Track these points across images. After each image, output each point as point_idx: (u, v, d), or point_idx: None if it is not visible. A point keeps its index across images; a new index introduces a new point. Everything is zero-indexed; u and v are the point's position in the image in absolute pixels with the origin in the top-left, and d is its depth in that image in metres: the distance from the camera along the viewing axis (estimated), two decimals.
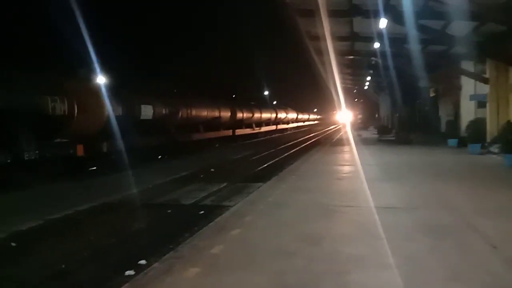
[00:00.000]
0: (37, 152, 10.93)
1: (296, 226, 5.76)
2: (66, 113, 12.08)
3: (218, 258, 4.63)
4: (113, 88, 15.88)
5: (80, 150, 12.76)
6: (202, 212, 8.03)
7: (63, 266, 5.27)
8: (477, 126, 15.70)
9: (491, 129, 15.17)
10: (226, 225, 5.99)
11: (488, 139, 15.24)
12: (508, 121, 11.72)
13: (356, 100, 75.93)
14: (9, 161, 10.06)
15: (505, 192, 7.91)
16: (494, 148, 13.77)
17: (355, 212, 6.62)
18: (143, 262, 5.12)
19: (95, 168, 14.38)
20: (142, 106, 16.85)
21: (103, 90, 14.45)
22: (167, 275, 4.15)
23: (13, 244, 6.22)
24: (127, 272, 4.74)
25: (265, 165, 15.56)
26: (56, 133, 12.27)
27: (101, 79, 19.88)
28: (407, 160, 14.01)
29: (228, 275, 4.13)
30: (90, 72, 18.58)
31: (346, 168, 12.14)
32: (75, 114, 12.44)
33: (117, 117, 14.43)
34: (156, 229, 7.05)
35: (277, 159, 17.84)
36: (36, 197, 9.85)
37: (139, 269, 4.76)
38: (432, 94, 25.60)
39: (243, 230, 5.72)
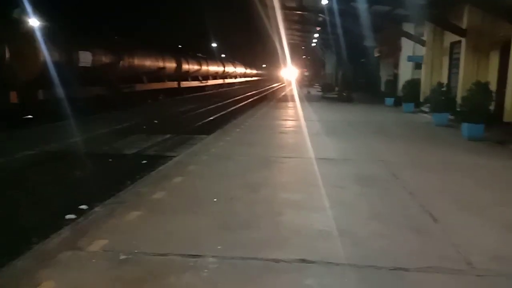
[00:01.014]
0: None
1: (237, 175, 6.04)
2: None
3: (160, 202, 4.81)
4: (48, 32, 14.79)
5: (13, 97, 12.03)
6: (144, 161, 8.09)
7: (2, 211, 5.20)
8: (412, 86, 16.64)
9: (425, 90, 16.16)
10: (168, 174, 6.14)
11: (422, 99, 16.26)
12: (438, 82, 12.57)
13: (304, 57, 76.55)
14: None
15: (428, 148, 8.68)
16: (426, 108, 14.77)
17: (293, 163, 7.02)
18: (84, 207, 5.18)
19: (31, 117, 13.66)
20: (80, 52, 15.93)
21: (38, 34, 13.46)
22: (109, 218, 4.28)
23: None
24: (68, 216, 4.80)
25: (210, 119, 15.64)
26: None
27: (35, 22, 18.39)
28: (346, 117, 14.72)
29: (170, 217, 4.34)
30: (23, 13, 17.07)
31: (289, 123, 12.56)
32: (6, 59, 11.59)
33: (53, 63, 13.59)
34: (97, 178, 7.03)
35: (222, 112, 17.95)
36: None
37: (80, 213, 4.82)
38: (377, 55, 26.49)
39: (186, 178, 5.91)
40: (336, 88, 29.34)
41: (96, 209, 4.60)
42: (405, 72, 19.79)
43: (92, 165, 7.88)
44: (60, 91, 13.81)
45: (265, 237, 3.81)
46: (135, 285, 2.99)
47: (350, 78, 27.52)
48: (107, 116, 16.20)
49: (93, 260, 3.36)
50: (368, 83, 29.16)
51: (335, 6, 17.18)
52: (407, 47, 19.53)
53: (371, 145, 8.79)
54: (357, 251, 3.50)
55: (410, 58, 18.37)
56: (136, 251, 3.49)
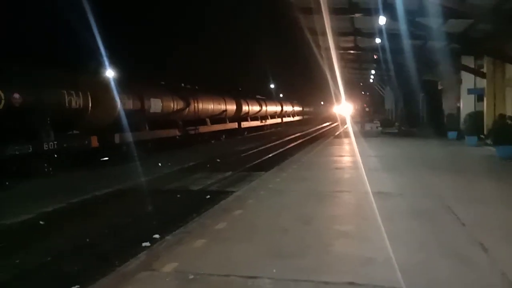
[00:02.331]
0: (55, 142, 11.71)
1: (292, 209, 6.44)
2: (81, 106, 12.85)
3: (222, 232, 5.34)
4: (123, 82, 16.61)
5: (94, 142, 13.54)
6: (208, 196, 8.77)
7: (88, 240, 6.03)
8: (475, 119, 16.21)
9: (488, 122, 15.65)
10: (229, 207, 6.70)
11: (485, 132, 15.73)
12: (500, 114, 12.24)
13: (362, 93, 76.15)
14: (30, 151, 10.84)
15: (486, 182, 8.46)
16: (489, 141, 14.29)
17: (346, 197, 7.30)
18: (156, 236, 5.86)
19: (107, 158, 15.18)
20: (152, 100, 17.59)
21: (115, 84, 15.18)
22: (179, 245, 4.88)
23: (41, 222, 7.01)
24: (144, 244, 5.49)
25: (268, 156, 16.26)
26: (72, 126, 13.06)
27: (110, 73, 20.60)
28: (404, 151, 14.61)
29: (231, 245, 4.84)
30: (101, 66, 19.31)
31: (346, 159, 12.78)
32: (89, 107, 13.22)
33: (128, 111, 15.20)
34: (167, 211, 7.79)
35: (280, 150, 18.54)
36: (57, 185, 10.68)
37: (153, 241, 5.49)
38: (440, 87, 26.01)
39: (245, 211, 6.43)
40: (396, 123, 28.94)
41: (167, 237, 5.24)
42: (467, 105, 19.25)
43: (162, 200, 8.71)
44: (133, 135, 15.30)
45: (316, 263, 4.16)
46: None
47: (410, 112, 27.11)
48: (175, 156, 17.43)
49: (167, 279, 3.93)
50: (430, 117, 28.47)
51: (389, 44, 17.48)
52: (468, 80, 19.11)
53: (427, 180, 8.76)
54: (402, 277, 3.73)
55: (470, 91, 17.96)
56: (202, 272, 4.02)
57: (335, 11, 13.51)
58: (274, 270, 3.98)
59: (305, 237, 5.01)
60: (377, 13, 13.21)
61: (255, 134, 32.46)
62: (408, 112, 27.13)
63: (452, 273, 3.86)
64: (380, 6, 12.60)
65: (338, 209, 6.58)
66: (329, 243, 4.78)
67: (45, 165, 11.81)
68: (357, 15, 14.41)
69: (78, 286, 4.46)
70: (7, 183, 10.40)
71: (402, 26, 13.51)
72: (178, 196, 9.07)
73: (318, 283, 3.67)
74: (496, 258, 4.17)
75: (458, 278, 3.73)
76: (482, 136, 15.60)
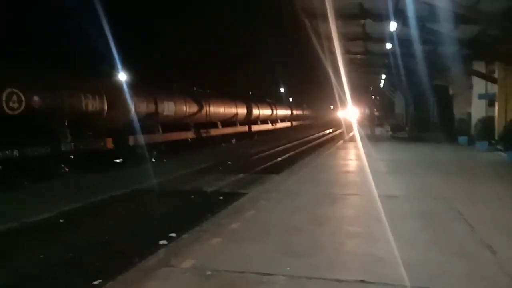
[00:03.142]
0: (72, 144, 12.04)
1: (304, 210, 6.62)
2: (98, 109, 13.20)
3: (236, 231, 5.55)
4: (137, 85, 16.95)
5: (109, 143, 13.85)
6: (221, 198, 8.99)
7: (106, 237, 6.28)
8: (486, 124, 16.22)
9: (499, 127, 15.65)
10: (242, 208, 6.91)
11: (496, 137, 15.73)
12: (511, 120, 12.26)
13: (373, 97, 75.91)
14: (48, 151, 11.17)
15: (494, 186, 8.55)
16: (500, 146, 14.31)
17: (357, 199, 7.46)
18: (173, 235, 6.09)
19: (121, 160, 15.50)
20: (165, 103, 17.92)
21: (130, 87, 15.53)
22: (195, 243, 5.10)
23: (61, 220, 7.29)
24: (161, 242, 5.72)
25: (279, 159, 16.45)
26: (88, 128, 13.41)
27: (125, 76, 20.98)
28: (413, 156, 14.69)
29: (245, 243, 5.04)
30: (116, 69, 19.70)
31: (355, 163, 12.91)
32: (105, 110, 13.56)
33: (141, 113, 15.52)
34: (182, 211, 8.03)
35: (290, 153, 18.71)
36: (74, 185, 11.00)
37: (170, 240, 5.72)
38: (451, 92, 25.96)
39: (257, 212, 6.63)
40: (406, 128, 28.91)
41: (184, 236, 5.46)
42: (478, 110, 19.22)
43: (178, 200, 8.96)
44: (146, 137, 15.62)
45: (328, 262, 4.34)
46: None
47: (421, 117, 27.07)
48: (187, 159, 17.72)
49: (186, 274, 4.14)
50: (441, 122, 28.41)
51: (399, 49, 17.57)
52: (479, 85, 19.09)
53: (436, 184, 8.87)
54: (411, 275, 3.90)
55: (481, 96, 17.96)
56: (219, 269, 4.22)
57: (345, 17, 13.69)
58: (288, 268, 4.18)
59: (317, 237, 5.19)
60: (388, 19, 13.35)
61: (265, 137, 32.67)
62: (418, 116, 27.10)
63: (455, 270, 4.02)
64: (391, 12, 12.73)
65: (348, 210, 6.75)
66: (340, 242, 4.96)
67: (62, 166, 12.14)
68: (368, 20, 14.56)
69: (101, 280, 4.69)
70: (25, 183, 10.73)
71: (413, 31, 13.62)
72: (192, 197, 9.31)
73: (331, 281, 3.85)
74: (502, 256, 4.31)
75: (461, 274, 3.88)
76: (493, 141, 15.61)
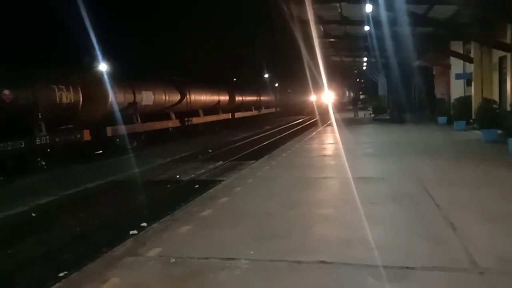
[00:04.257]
0: (47, 137, 11.85)
1: (277, 195, 6.64)
2: (72, 101, 12.98)
3: (207, 219, 5.54)
4: (114, 76, 16.70)
5: (86, 135, 13.68)
6: (197, 186, 8.98)
7: (77, 229, 6.24)
8: (463, 103, 16.42)
9: (476, 107, 15.86)
10: (216, 195, 6.89)
11: (473, 116, 15.95)
12: (485, 99, 12.44)
13: (358, 80, 76.28)
14: (22, 146, 10.98)
15: (469, 164, 8.71)
16: (477, 125, 14.51)
17: (332, 183, 7.52)
18: (144, 224, 6.07)
19: (101, 151, 15.35)
20: (143, 92, 17.70)
21: (106, 78, 15.28)
22: (164, 232, 5.08)
23: (33, 214, 7.21)
24: (131, 232, 5.69)
25: (260, 145, 16.47)
26: (64, 120, 13.19)
27: (103, 67, 20.64)
28: (393, 138, 14.84)
29: (214, 230, 5.04)
30: (93, 61, 19.33)
31: (334, 146, 12.98)
32: (80, 102, 13.34)
33: (119, 104, 15.32)
34: (156, 201, 8.01)
35: (272, 139, 18.74)
36: (50, 179, 10.89)
37: (141, 229, 5.70)
38: (434, 73, 26.14)
39: (231, 199, 6.63)
40: (388, 110, 29.14)
41: (154, 225, 5.44)
42: (457, 90, 19.46)
43: (153, 190, 8.92)
44: (125, 128, 15.45)
45: (293, 245, 4.36)
46: (181, 280, 3.70)
47: (402, 99, 27.26)
48: (168, 148, 17.62)
49: (150, 263, 4.13)
50: (422, 103, 28.67)
51: (378, 31, 17.57)
52: (457, 65, 19.28)
53: (412, 164, 8.98)
54: (373, 255, 3.94)
55: (458, 76, 18.16)
56: (184, 256, 4.22)
57: (320, 0, 13.62)
58: (252, 252, 4.19)
59: (287, 221, 5.21)
60: (364, 1, 13.32)
61: (248, 124, 32.61)
62: (399, 98, 27.30)
63: (423, 249, 4.08)
64: None
65: (322, 194, 6.79)
66: (309, 225, 4.99)
67: (39, 160, 11.96)
68: (344, 3, 14.50)
69: (66, 272, 4.66)
70: (1, 178, 10.56)
71: (389, 13, 13.63)
72: (168, 186, 9.28)
73: (292, 263, 3.88)
74: (462, 234, 4.40)
75: (423, 254, 3.94)
76: (471, 120, 15.82)
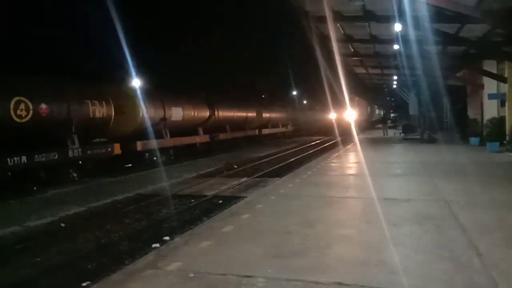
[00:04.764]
0: (79, 150, 12.31)
1: (298, 213, 6.62)
2: (105, 115, 13.46)
3: (228, 235, 5.59)
4: (145, 91, 17.21)
5: (117, 149, 14.09)
6: (220, 201, 9.07)
7: (103, 241, 6.42)
8: (497, 124, 15.91)
9: (510, 128, 15.36)
10: (238, 211, 6.94)
11: (507, 138, 15.43)
12: None
13: (388, 98, 75.35)
14: (56, 157, 11.44)
15: (503, 189, 8.39)
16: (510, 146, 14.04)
17: (354, 202, 7.43)
18: (166, 238, 6.18)
19: (130, 165, 15.75)
20: (173, 108, 18.12)
21: (137, 93, 15.78)
22: (185, 246, 5.17)
23: (62, 224, 7.47)
24: (154, 245, 5.81)
25: (285, 162, 16.44)
26: (96, 134, 13.68)
27: (135, 82, 21.33)
28: (422, 158, 14.47)
29: (234, 246, 5.09)
30: (124, 75, 20.06)
31: (361, 165, 12.81)
32: (112, 117, 13.81)
33: (150, 119, 15.74)
34: (180, 215, 8.12)
35: (298, 157, 18.67)
36: (80, 190, 11.24)
37: (163, 243, 5.81)
38: (468, 92, 25.55)
39: (252, 215, 6.66)
40: (418, 129, 28.54)
41: (176, 239, 5.54)
42: (490, 110, 18.87)
43: (177, 204, 9.07)
44: (155, 142, 15.84)
45: (310, 265, 4.35)
46: None
47: (433, 118, 26.70)
48: (194, 163, 17.89)
49: (169, 277, 4.21)
50: (454, 123, 27.97)
51: (407, 50, 17.42)
52: (490, 85, 18.75)
53: (439, 186, 8.76)
54: (392, 278, 3.87)
55: (491, 96, 17.63)
56: (202, 271, 4.28)
57: (348, 19, 13.67)
58: (269, 270, 4.20)
59: (305, 240, 5.19)
60: (391, 21, 13.27)
61: (274, 140, 32.67)
62: (431, 117, 26.74)
63: (443, 274, 3.97)
64: (394, 13, 12.66)
65: (343, 213, 6.72)
66: (328, 245, 4.95)
67: (70, 171, 12.41)
68: (372, 22, 14.49)
69: (89, 282, 4.81)
70: (35, 188, 11.02)
71: (418, 32, 13.51)
72: (192, 201, 9.41)
73: (308, 283, 3.86)
74: (488, 262, 4.25)
75: (447, 278, 3.84)
76: (505, 142, 15.31)
